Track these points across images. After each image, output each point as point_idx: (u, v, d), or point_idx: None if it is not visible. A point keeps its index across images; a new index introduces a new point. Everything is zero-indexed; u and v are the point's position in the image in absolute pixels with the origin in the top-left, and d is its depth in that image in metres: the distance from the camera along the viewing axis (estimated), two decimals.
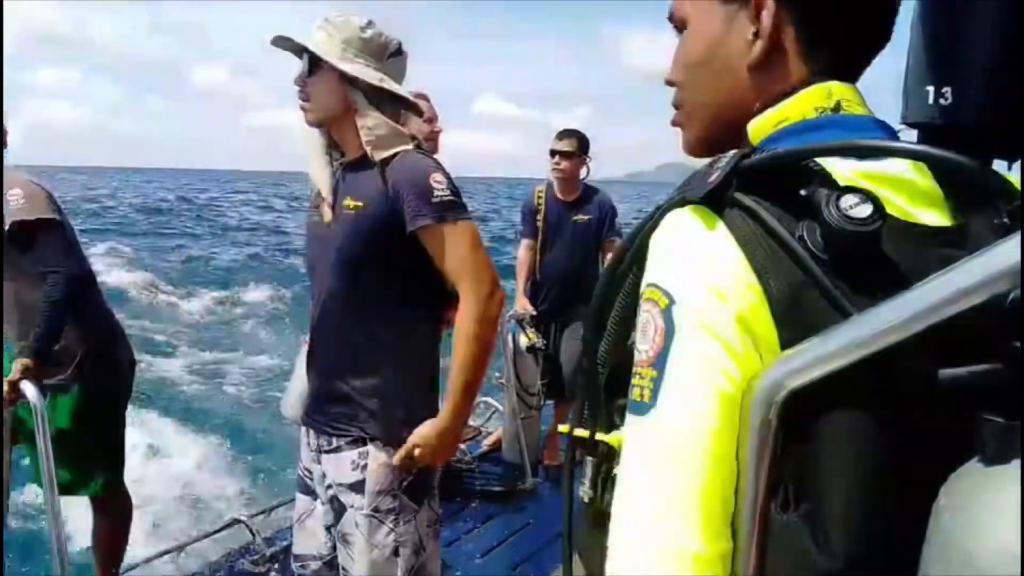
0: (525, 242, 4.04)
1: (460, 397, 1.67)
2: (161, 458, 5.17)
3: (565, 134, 3.91)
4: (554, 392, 4.14)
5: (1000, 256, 0.50)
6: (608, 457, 0.77)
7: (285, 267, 15.54)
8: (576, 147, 3.88)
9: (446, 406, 1.68)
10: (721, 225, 0.62)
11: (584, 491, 0.77)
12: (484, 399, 4.78)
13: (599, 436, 0.77)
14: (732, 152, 0.64)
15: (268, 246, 20.03)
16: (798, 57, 0.72)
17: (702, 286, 0.60)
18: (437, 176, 1.62)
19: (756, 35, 0.71)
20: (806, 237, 0.59)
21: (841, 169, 0.62)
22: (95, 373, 2.55)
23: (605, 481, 0.76)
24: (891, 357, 0.54)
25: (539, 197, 4.00)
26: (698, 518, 0.59)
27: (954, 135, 0.86)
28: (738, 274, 0.60)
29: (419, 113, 1.87)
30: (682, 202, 0.65)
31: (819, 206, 0.58)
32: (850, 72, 0.73)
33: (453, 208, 1.62)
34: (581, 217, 3.96)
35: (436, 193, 1.61)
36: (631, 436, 0.64)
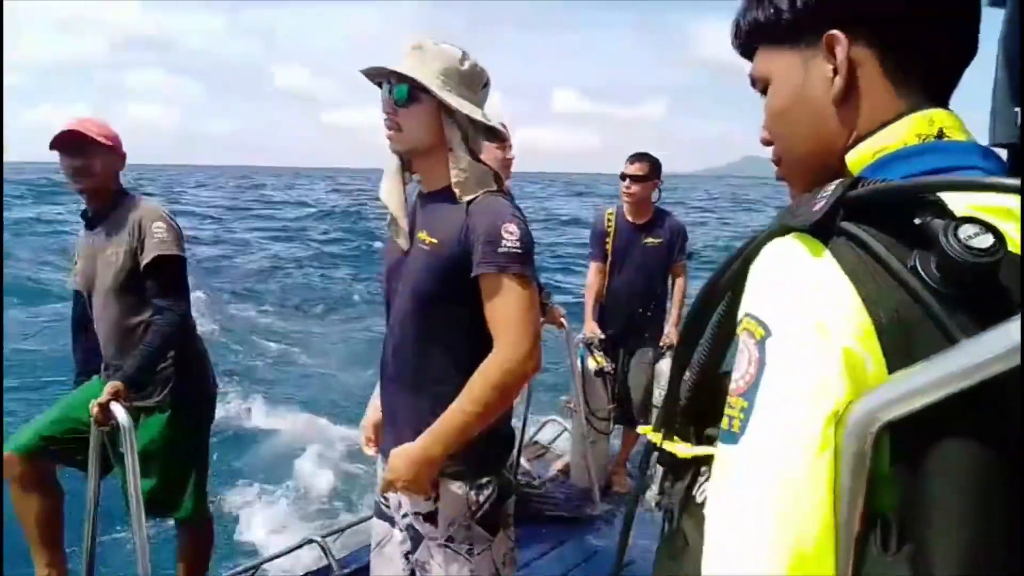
0: (594, 265, 4.03)
1: (451, 433, 1.59)
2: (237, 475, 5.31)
3: (636, 157, 3.90)
4: (623, 417, 4.10)
5: None
6: (676, 470, 0.78)
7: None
8: (647, 170, 3.87)
9: (431, 434, 1.60)
10: (828, 254, 0.61)
11: (652, 495, 0.80)
12: (552, 418, 4.76)
13: (668, 446, 0.78)
14: (838, 181, 0.63)
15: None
16: (884, 86, 0.72)
17: (802, 319, 0.60)
18: (511, 227, 1.60)
19: (835, 72, 0.72)
20: (919, 267, 0.57)
21: (952, 199, 0.61)
22: (185, 397, 2.63)
23: (683, 499, 0.77)
24: (998, 389, 0.52)
25: (609, 220, 3.99)
26: (782, 557, 0.57)
27: None
28: (846, 306, 0.59)
29: (501, 140, 1.87)
30: (785, 230, 0.64)
31: (935, 236, 0.57)
32: (942, 91, 0.73)
33: (517, 261, 1.59)
34: (652, 240, 3.94)
35: (505, 243, 1.59)
36: (720, 464, 0.64)
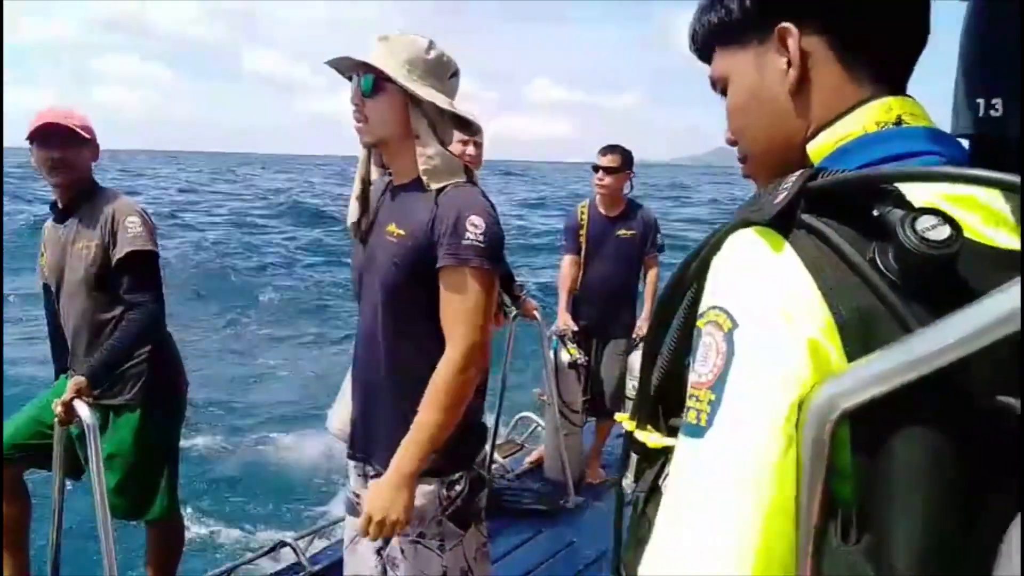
0: (568, 257, 4.04)
1: (421, 446, 1.57)
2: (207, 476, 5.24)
3: (608, 149, 3.92)
4: (596, 409, 4.11)
5: None
6: (648, 459, 0.79)
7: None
8: (620, 162, 3.89)
9: (400, 455, 1.58)
10: (788, 247, 0.61)
11: (627, 483, 0.80)
12: (525, 414, 4.76)
13: (641, 436, 0.79)
14: (798, 172, 0.64)
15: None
16: (839, 75, 0.72)
17: (768, 309, 0.60)
18: (476, 219, 1.58)
19: (788, 64, 0.72)
20: (878, 260, 0.58)
21: (918, 188, 0.61)
22: (156, 395, 2.59)
23: (650, 487, 0.77)
24: (954, 378, 0.52)
25: (582, 213, 4.00)
26: (748, 551, 0.57)
27: (1006, 148, 0.84)
28: (807, 298, 0.59)
29: (473, 132, 1.86)
30: (745, 223, 0.64)
31: (893, 228, 0.57)
32: (897, 77, 0.73)
33: (478, 255, 1.58)
34: (625, 232, 3.95)
35: (468, 236, 1.57)
36: (683, 457, 0.63)
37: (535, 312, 3.69)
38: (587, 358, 3.96)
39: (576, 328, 3.93)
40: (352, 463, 1.84)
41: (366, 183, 1.77)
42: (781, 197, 0.62)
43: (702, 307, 0.65)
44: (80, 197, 2.56)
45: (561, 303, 4.02)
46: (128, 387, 2.53)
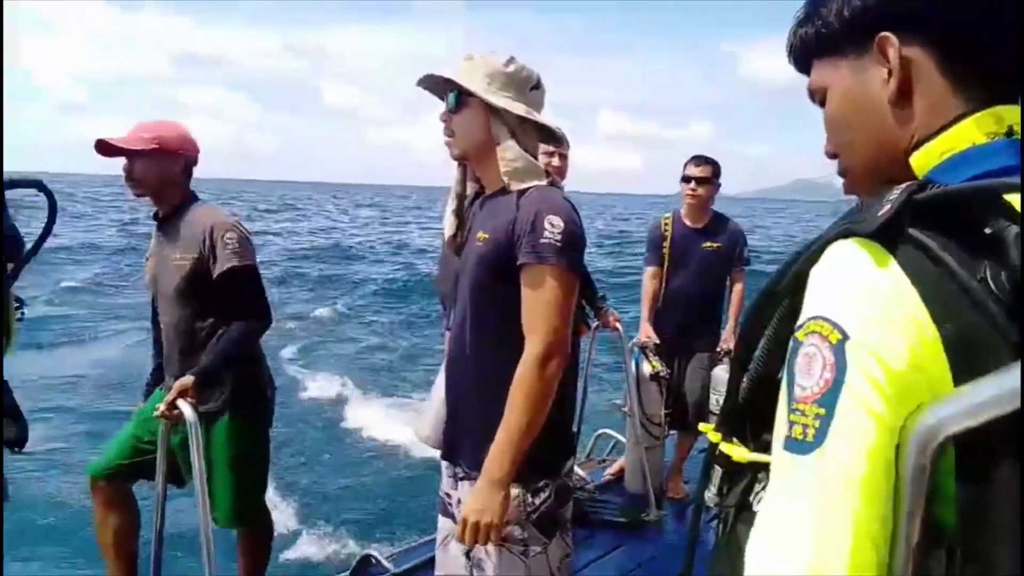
0: (650, 269, 4.00)
1: (507, 451, 1.58)
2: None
3: (700, 160, 3.89)
4: (678, 423, 4.05)
5: None
6: (734, 473, 0.78)
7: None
8: (711, 172, 3.86)
9: (489, 460, 1.60)
10: (893, 261, 0.59)
11: (710, 496, 0.79)
12: (604, 430, 4.72)
13: (727, 449, 0.78)
14: (904, 185, 0.62)
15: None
16: (942, 84, 0.70)
17: (877, 321, 0.58)
18: (554, 218, 1.61)
19: (889, 74, 0.71)
20: (989, 279, 0.56)
21: None
22: (245, 402, 2.64)
23: (738, 504, 0.76)
24: None
25: (666, 224, 3.96)
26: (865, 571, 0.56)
27: None
28: (914, 312, 0.57)
29: (558, 142, 1.89)
30: (846, 234, 0.63)
31: (1008, 247, 0.55)
32: (1006, 86, 0.70)
33: (555, 253, 1.59)
34: (710, 244, 3.89)
35: (546, 234, 1.60)
36: (787, 475, 0.61)
37: (616, 323, 3.67)
38: (669, 371, 3.91)
39: (658, 340, 3.89)
40: (444, 463, 1.88)
41: (461, 198, 1.84)
42: (886, 209, 0.60)
43: (802, 318, 0.63)
44: (175, 208, 2.60)
45: (643, 315, 3.98)
46: (217, 395, 2.58)
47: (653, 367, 3.82)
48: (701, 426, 0.92)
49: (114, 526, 2.69)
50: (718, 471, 0.82)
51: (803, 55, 0.81)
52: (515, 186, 1.69)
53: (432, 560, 3.15)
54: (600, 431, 4.72)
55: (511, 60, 1.73)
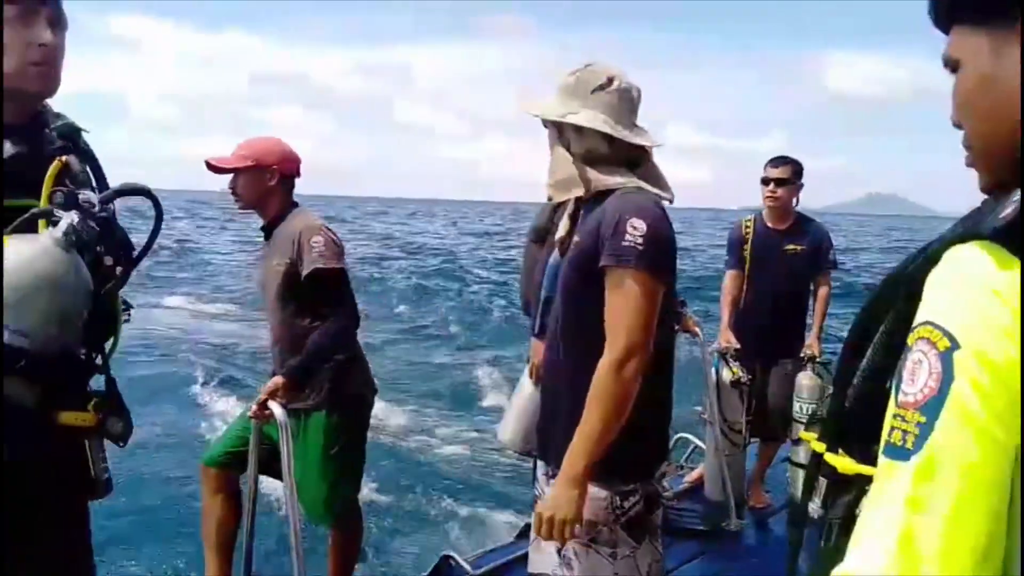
0: (730, 273, 3.93)
1: (584, 448, 1.60)
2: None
3: (780, 161, 3.81)
4: (760, 431, 3.96)
5: None
6: (838, 485, 0.76)
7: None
8: (790, 173, 3.77)
9: (568, 456, 1.62)
10: (1017, 265, 0.57)
11: (814, 508, 0.79)
12: (682, 435, 4.65)
13: (831, 459, 0.77)
14: None
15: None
16: None
17: (991, 329, 0.56)
18: (636, 221, 1.60)
19: None
20: None
21: None
22: (342, 400, 2.74)
23: (844, 516, 0.75)
24: None
25: (747, 226, 3.88)
26: None
27: None
28: None
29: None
30: (967, 237, 0.61)
31: None
32: None
33: (638, 256, 1.59)
34: (793, 247, 3.80)
35: (628, 237, 1.60)
36: (884, 480, 0.60)
37: (696, 328, 3.61)
38: (750, 377, 3.82)
39: (739, 346, 3.81)
40: (540, 463, 1.91)
41: (579, 201, 1.85)
42: (1009, 210, 0.58)
43: (916, 321, 0.61)
44: (275, 218, 2.76)
45: (723, 319, 3.91)
46: (317, 392, 2.69)
47: (733, 373, 3.74)
48: (802, 434, 0.90)
49: (217, 515, 2.80)
50: (823, 482, 0.80)
51: (945, 12, 0.76)
52: (557, 197, 1.75)
53: (510, 563, 3.19)
54: (678, 435, 4.65)
55: (580, 68, 1.76)
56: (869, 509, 0.61)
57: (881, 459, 0.61)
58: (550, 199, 2.65)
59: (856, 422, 0.75)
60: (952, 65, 0.75)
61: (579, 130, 1.71)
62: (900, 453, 0.58)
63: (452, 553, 3.33)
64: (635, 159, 1.76)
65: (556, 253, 2.54)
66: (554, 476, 1.77)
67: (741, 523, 3.75)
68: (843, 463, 0.77)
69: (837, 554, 0.73)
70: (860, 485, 0.74)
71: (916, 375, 0.59)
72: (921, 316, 0.61)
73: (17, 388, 1.29)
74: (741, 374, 3.75)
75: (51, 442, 1.42)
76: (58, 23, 1.45)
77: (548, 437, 1.83)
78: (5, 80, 1.41)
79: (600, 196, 1.71)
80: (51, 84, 1.47)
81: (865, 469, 0.74)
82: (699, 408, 4.00)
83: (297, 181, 2.82)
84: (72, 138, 1.57)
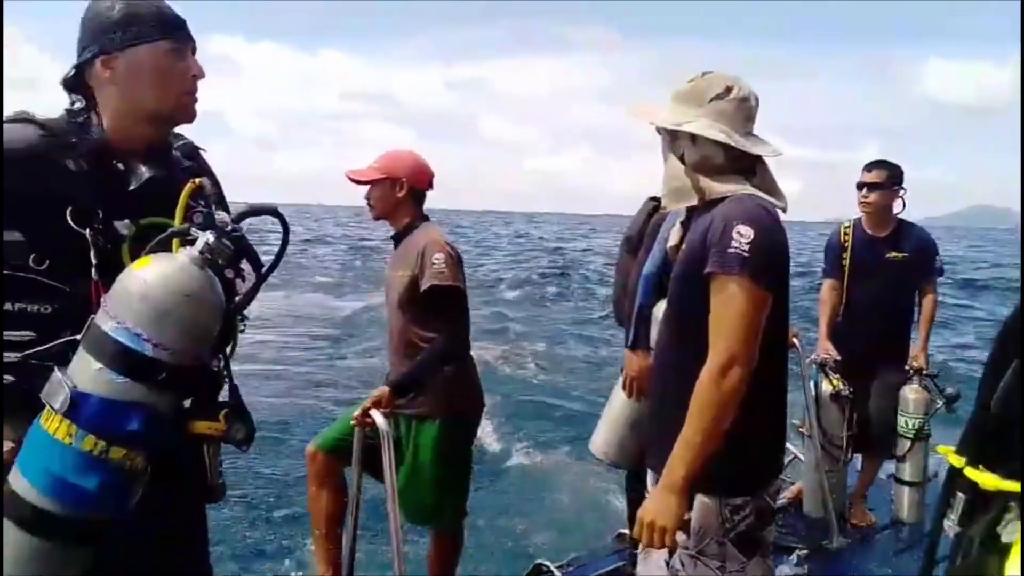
0: (828, 282, 3.82)
1: (685, 458, 1.58)
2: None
3: (874, 165, 3.70)
4: (862, 445, 3.82)
5: None
6: (978, 501, 0.75)
7: None
8: (885, 177, 3.64)
9: (669, 464, 1.61)
10: None
11: (950, 524, 0.78)
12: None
13: (971, 474, 0.75)
14: None
15: None
16: None
17: None
18: (743, 228, 1.59)
19: None
20: None
21: None
22: (454, 409, 2.81)
23: (984, 534, 0.74)
24: None
25: (845, 233, 3.77)
26: None
27: None
28: None
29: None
30: None
31: None
32: None
33: (742, 263, 1.57)
34: (895, 254, 3.66)
35: (734, 244, 1.58)
36: None
37: (794, 339, 3.52)
38: (851, 389, 3.69)
39: (839, 357, 3.68)
40: (650, 472, 1.89)
41: (691, 209, 1.86)
42: None
43: None
44: (404, 229, 2.86)
45: (821, 330, 3.80)
46: (430, 400, 2.77)
47: (833, 385, 3.63)
48: (939, 448, 0.88)
49: (324, 501, 2.89)
50: (961, 498, 0.79)
51: None
52: (670, 206, 1.75)
53: (603, 574, 3.18)
54: None
55: (696, 77, 1.76)
56: None
57: None
58: (655, 208, 2.64)
59: (998, 439, 0.74)
60: None
61: (694, 138, 1.71)
62: None
63: (545, 562, 3.35)
64: (750, 167, 1.74)
65: (649, 263, 2.53)
66: None
67: (844, 541, 3.62)
68: (985, 478, 0.75)
69: (977, 572, 0.71)
70: (1002, 502, 0.72)
71: None
72: None
73: (157, 398, 1.37)
74: (842, 386, 3.63)
75: (184, 449, 1.51)
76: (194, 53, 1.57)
77: (656, 448, 1.82)
78: (160, 108, 1.52)
79: (712, 203, 1.71)
80: (195, 112, 1.59)
81: (1008, 485, 0.72)
82: (796, 421, 3.89)
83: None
84: (193, 157, 1.68)
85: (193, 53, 1.55)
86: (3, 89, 1.58)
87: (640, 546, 1.90)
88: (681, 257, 1.73)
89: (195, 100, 1.56)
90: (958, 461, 0.79)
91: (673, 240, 1.90)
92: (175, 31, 1.51)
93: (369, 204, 2.87)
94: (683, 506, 1.60)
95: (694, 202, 1.73)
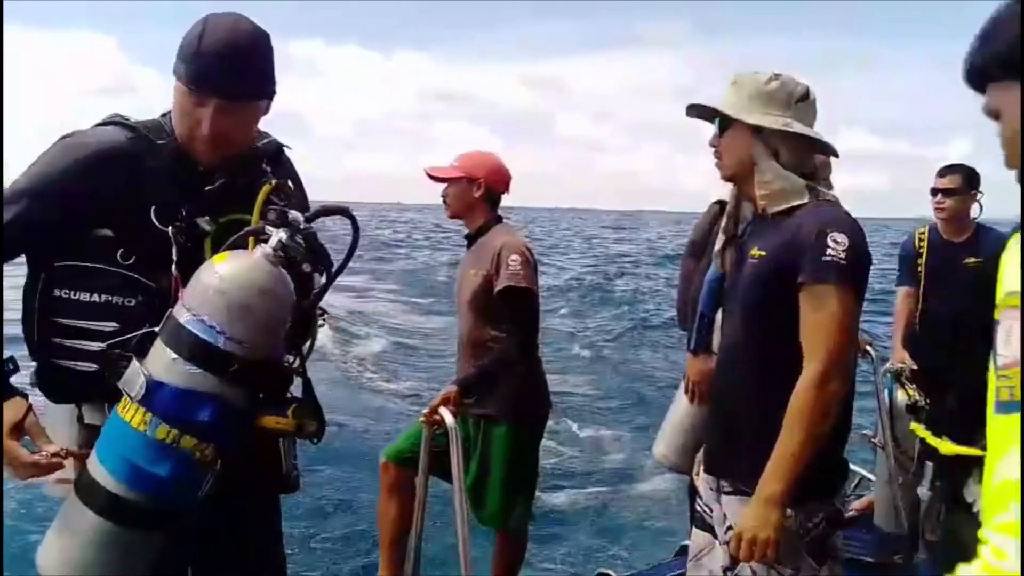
0: (903, 289, 3.72)
1: (782, 468, 1.57)
2: None
3: (948, 170, 3.58)
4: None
5: None
6: (942, 467, 0.83)
7: None
8: (959, 182, 3.52)
9: (765, 476, 1.60)
10: None
11: (922, 492, 0.88)
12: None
13: (934, 442, 0.85)
14: None
15: None
16: None
17: None
18: (838, 236, 1.58)
19: None
20: None
21: None
22: (523, 412, 2.85)
23: (948, 497, 0.81)
24: None
25: (920, 239, 3.65)
26: None
27: None
28: None
29: (833, 152, 1.85)
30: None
31: None
32: None
33: (839, 272, 1.56)
34: (973, 260, 3.52)
35: (830, 252, 1.57)
36: (1003, 435, 0.66)
37: (868, 347, 3.42)
38: (927, 400, 3.56)
39: (915, 366, 3.56)
40: (707, 477, 1.88)
41: (735, 220, 1.87)
42: None
43: (999, 297, 0.71)
44: (478, 229, 2.91)
45: (896, 339, 3.70)
46: (498, 401, 2.80)
47: (909, 396, 3.50)
48: (912, 425, 0.92)
49: (393, 511, 2.93)
50: (929, 466, 0.88)
51: (980, 74, 0.88)
52: (772, 208, 1.68)
53: None
54: None
55: (773, 77, 1.73)
56: (1002, 458, 0.67)
57: (994, 418, 0.68)
58: (720, 211, 2.61)
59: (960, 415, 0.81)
60: (994, 115, 0.87)
61: (787, 138, 1.70)
62: (1010, 407, 0.66)
63: (608, 572, 3.33)
64: (812, 172, 1.74)
65: (714, 267, 2.50)
66: (731, 492, 1.75)
67: (918, 557, 3.49)
68: (944, 445, 0.83)
69: (949, 528, 0.80)
70: (963, 467, 0.80)
71: (1010, 338, 0.68)
72: (1003, 289, 0.70)
73: (228, 391, 1.42)
74: (919, 397, 3.50)
75: (254, 442, 1.56)
76: None
77: (724, 455, 1.80)
78: (182, 140, 1.57)
79: (790, 209, 1.69)
80: (211, 158, 1.60)
81: (965, 450, 0.81)
82: (869, 432, 3.77)
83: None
84: (276, 155, 1.75)
85: (227, 110, 1.52)
86: (3, 89, 1.66)
87: (691, 552, 1.88)
88: (757, 264, 1.70)
89: (212, 149, 1.56)
90: (923, 433, 0.90)
91: (719, 246, 1.89)
92: (199, 82, 1.51)
93: (445, 202, 2.91)
94: (782, 517, 1.59)
95: (799, 201, 1.69)
